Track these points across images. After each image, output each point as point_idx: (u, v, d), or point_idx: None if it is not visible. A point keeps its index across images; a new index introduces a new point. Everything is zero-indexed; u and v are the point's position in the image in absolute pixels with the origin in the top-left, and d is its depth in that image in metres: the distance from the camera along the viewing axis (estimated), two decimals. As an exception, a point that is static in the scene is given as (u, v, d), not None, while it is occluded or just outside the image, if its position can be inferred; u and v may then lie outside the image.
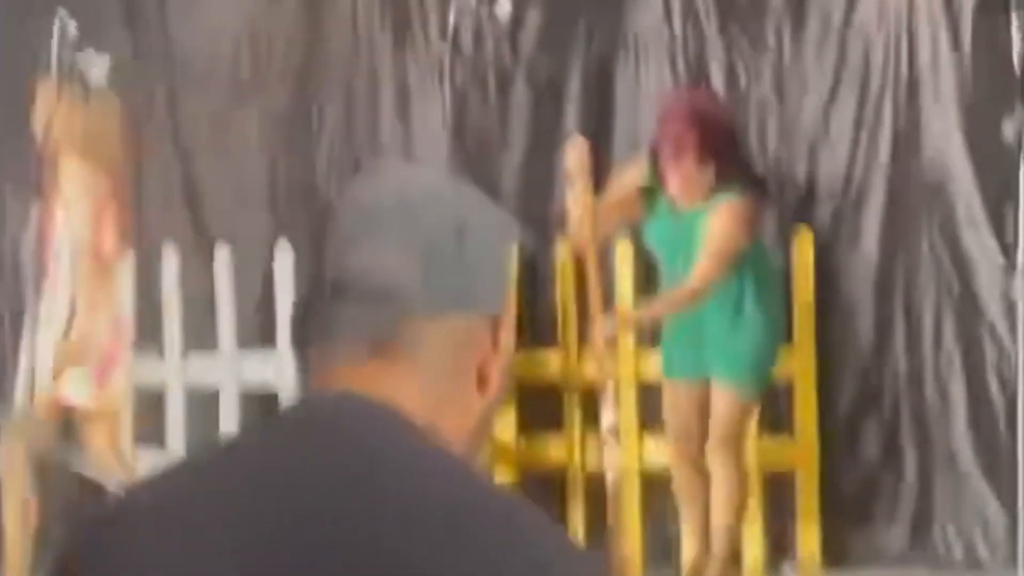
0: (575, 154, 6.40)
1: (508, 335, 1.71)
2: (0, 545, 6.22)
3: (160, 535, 1.60)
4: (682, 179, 6.52)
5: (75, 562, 1.63)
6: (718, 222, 6.48)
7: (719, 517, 6.63)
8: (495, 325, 1.70)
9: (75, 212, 6.43)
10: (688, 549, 6.84)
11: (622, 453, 7.39)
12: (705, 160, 6.49)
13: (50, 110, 6.34)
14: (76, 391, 6.42)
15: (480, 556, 1.53)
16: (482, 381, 1.69)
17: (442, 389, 1.67)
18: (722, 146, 6.56)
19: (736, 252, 6.53)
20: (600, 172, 6.63)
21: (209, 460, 1.69)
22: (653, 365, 7.24)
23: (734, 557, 6.86)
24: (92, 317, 6.46)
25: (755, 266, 6.66)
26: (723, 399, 6.61)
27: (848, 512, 7.40)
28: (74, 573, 1.62)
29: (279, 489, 1.57)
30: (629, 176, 6.68)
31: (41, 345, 6.31)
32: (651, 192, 6.63)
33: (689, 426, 6.70)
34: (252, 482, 1.59)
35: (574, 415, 7.59)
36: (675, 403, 6.73)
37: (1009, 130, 6.16)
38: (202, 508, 1.60)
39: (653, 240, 6.74)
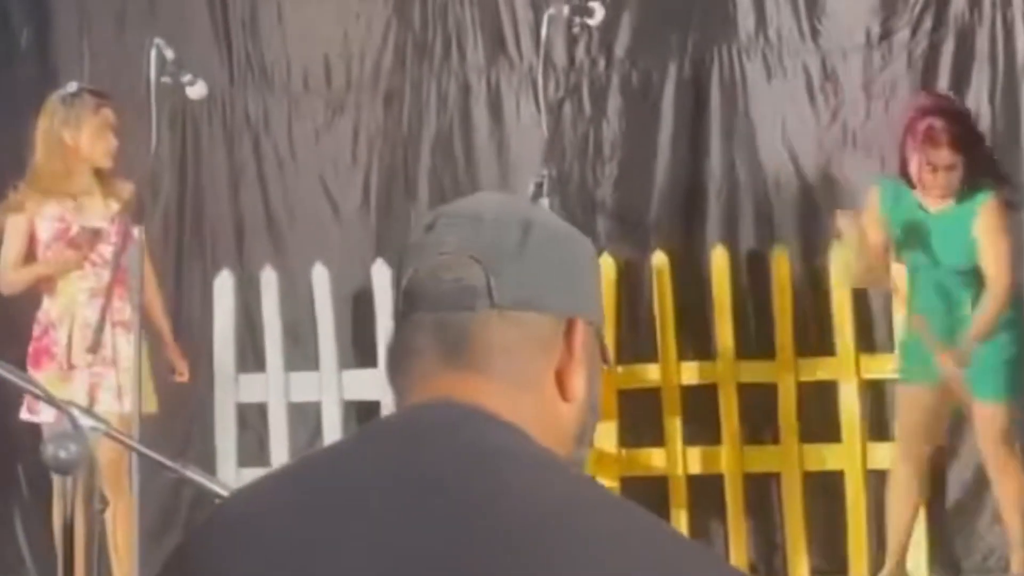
0: (846, 223, 6.51)
1: (589, 344, 1.70)
2: (106, 547, 6.19)
3: (254, 532, 1.60)
4: (938, 174, 6.39)
5: (182, 559, 1.64)
6: (993, 228, 6.41)
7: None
8: (570, 330, 1.69)
9: None
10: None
11: (726, 458, 7.42)
12: (960, 152, 6.37)
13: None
14: None
15: (605, 545, 1.52)
16: (562, 387, 1.68)
17: (521, 395, 1.66)
18: (973, 139, 6.49)
19: (1012, 251, 6.48)
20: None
21: (306, 463, 1.69)
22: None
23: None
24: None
25: None
26: (989, 414, 6.51)
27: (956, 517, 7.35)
28: (180, 569, 1.63)
29: (384, 485, 1.57)
30: (869, 215, 6.61)
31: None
32: (896, 199, 6.56)
33: (921, 428, 6.67)
34: (352, 477, 1.58)
35: (675, 424, 7.59)
36: (910, 406, 6.68)
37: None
38: (296, 505, 1.60)
39: (904, 250, 6.61)
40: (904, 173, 6.51)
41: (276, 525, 1.58)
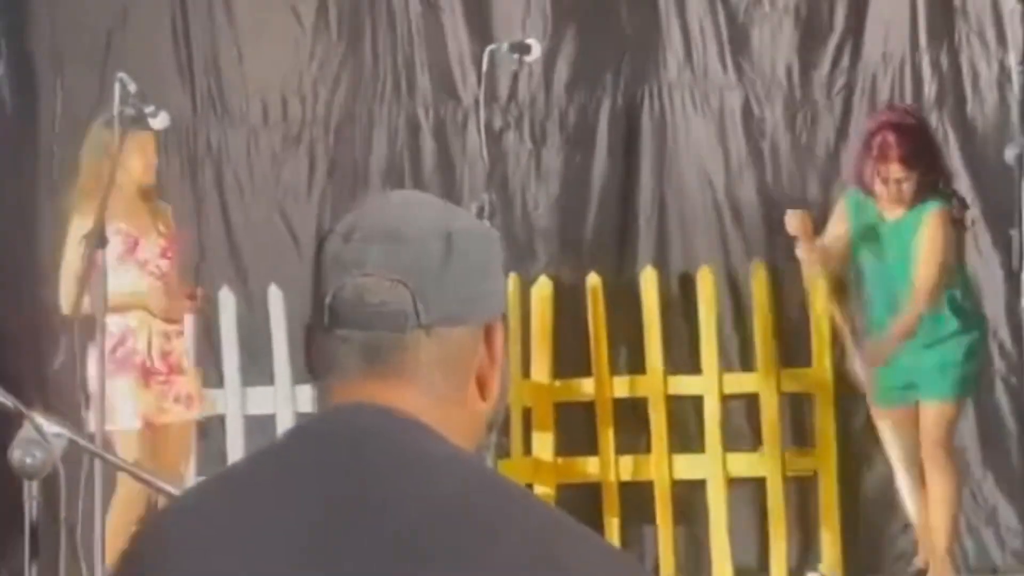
0: (794, 222, 6.50)
1: (502, 342, 1.69)
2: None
3: (202, 518, 1.61)
4: (889, 185, 6.38)
5: (134, 545, 1.65)
6: (930, 236, 6.36)
7: (938, 519, 6.53)
8: (489, 334, 1.67)
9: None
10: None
11: (655, 466, 7.46)
12: (911, 167, 6.35)
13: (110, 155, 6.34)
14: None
15: (517, 535, 1.53)
16: (482, 387, 1.67)
17: (444, 401, 1.64)
18: (925, 154, 6.45)
19: (948, 265, 6.43)
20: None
21: (246, 461, 1.70)
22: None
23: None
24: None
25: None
26: (932, 414, 6.44)
27: (867, 519, 7.37)
28: (132, 555, 1.64)
29: (312, 475, 1.57)
30: (836, 216, 6.61)
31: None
32: (859, 208, 6.53)
33: (911, 446, 6.54)
34: (286, 470, 1.60)
35: (608, 434, 7.59)
36: (894, 428, 6.59)
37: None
38: (240, 494, 1.61)
39: (863, 250, 6.55)
40: (860, 183, 6.51)
41: (211, 524, 1.59)
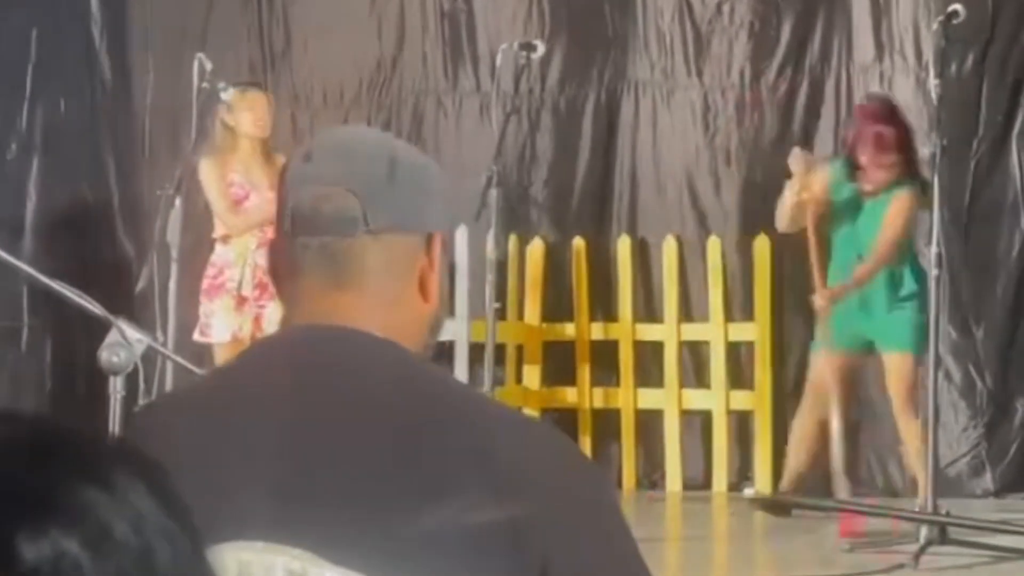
0: (800, 159, 6.20)
1: (440, 254, 1.62)
2: None
3: (184, 410, 1.58)
4: (878, 170, 6.09)
5: (127, 434, 1.68)
6: (897, 209, 6.09)
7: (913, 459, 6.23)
8: (429, 243, 1.61)
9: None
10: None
11: (622, 397, 7.54)
12: (897, 154, 6.10)
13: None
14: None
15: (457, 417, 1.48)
16: (423, 290, 1.60)
17: (391, 304, 1.58)
18: (906, 143, 6.18)
19: (908, 236, 6.17)
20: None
21: (222, 368, 1.70)
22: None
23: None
24: None
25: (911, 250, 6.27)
26: (898, 364, 6.16)
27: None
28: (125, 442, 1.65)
29: (285, 383, 1.53)
30: (819, 175, 6.22)
31: None
32: (840, 177, 6.19)
33: (838, 388, 6.21)
34: (260, 382, 1.55)
35: (585, 369, 7.65)
36: (832, 370, 6.20)
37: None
38: (219, 391, 1.59)
39: (838, 222, 6.22)
40: (852, 158, 6.18)
41: (197, 416, 1.55)
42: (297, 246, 1.59)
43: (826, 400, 6.24)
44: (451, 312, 6.66)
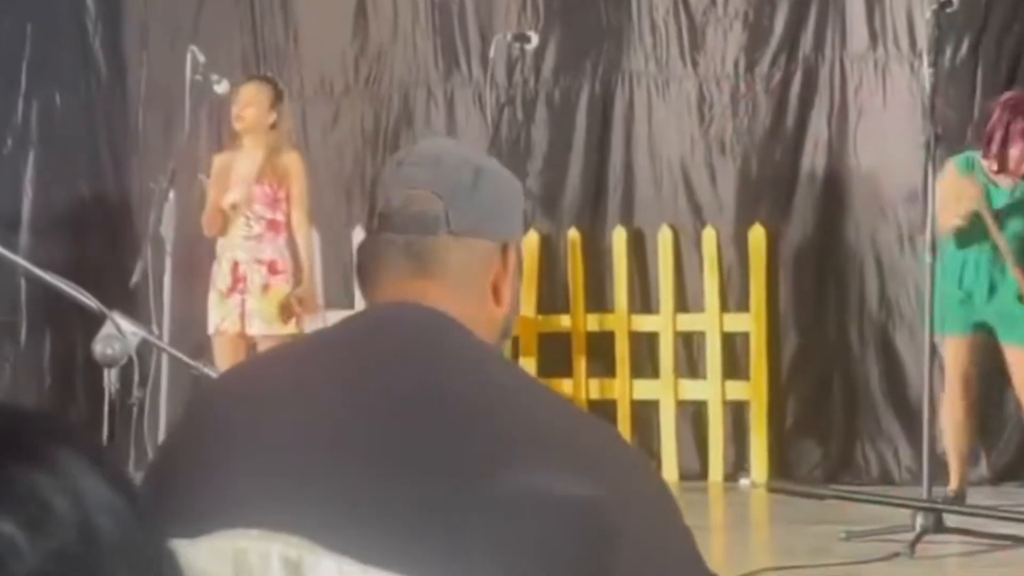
0: (975, 192, 5.99)
1: (516, 262, 1.70)
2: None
3: (243, 390, 1.60)
4: (1012, 162, 5.97)
5: (187, 409, 1.66)
6: None
7: None
8: (505, 251, 1.69)
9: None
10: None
11: (618, 388, 7.54)
12: None
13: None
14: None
15: (522, 408, 1.49)
16: (496, 294, 1.68)
17: (468, 301, 1.65)
18: None
19: None
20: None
21: (303, 342, 1.75)
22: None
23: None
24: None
25: None
26: (1019, 358, 6.04)
27: (788, 438, 7.43)
28: (183, 420, 1.64)
29: (356, 357, 1.54)
30: (972, 186, 6.02)
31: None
32: (970, 170, 6.03)
33: (968, 375, 6.12)
34: (329, 354, 1.57)
35: (581, 360, 7.66)
36: (955, 355, 6.12)
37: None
38: (296, 366, 1.60)
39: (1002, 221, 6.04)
40: (986, 152, 6.02)
41: (266, 394, 1.56)
42: (382, 242, 1.66)
43: (969, 383, 6.13)
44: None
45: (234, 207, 6.46)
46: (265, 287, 6.47)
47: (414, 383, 1.50)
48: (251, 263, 6.49)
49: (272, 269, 6.49)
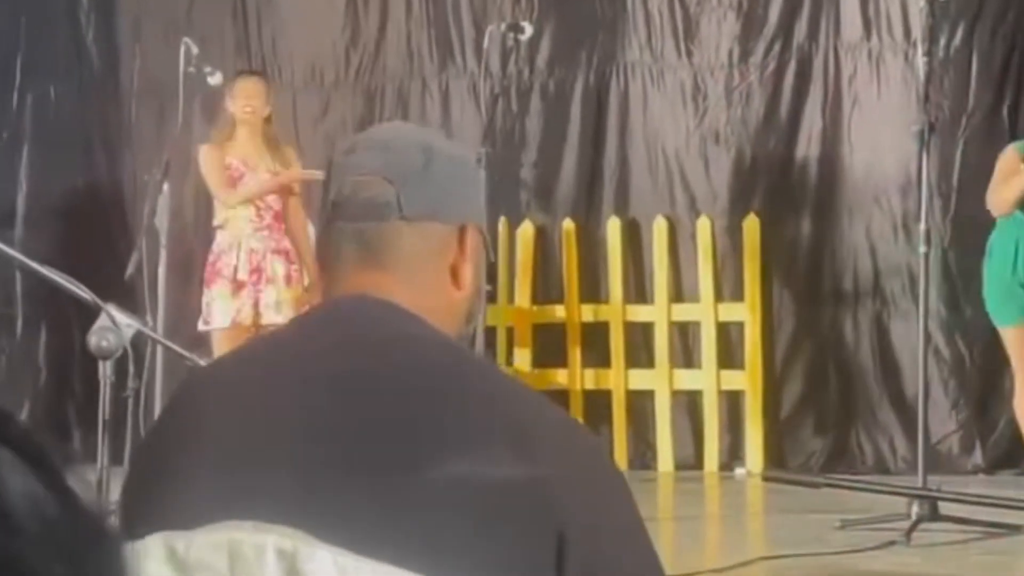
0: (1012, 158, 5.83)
1: (475, 244, 1.64)
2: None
3: (223, 380, 1.59)
4: None
5: (172, 400, 1.66)
6: None
7: None
8: (463, 233, 1.64)
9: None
10: None
11: (613, 378, 7.54)
12: None
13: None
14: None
15: (478, 390, 1.47)
16: (455, 278, 1.63)
17: (425, 288, 1.61)
18: None
19: None
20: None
21: (264, 338, 1.76)
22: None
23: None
24: None
25: None
26: None
27: (783, 428, 7.44)
28: (170, 406, 1.64)
29: (310, 351, 1.53)
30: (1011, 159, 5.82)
31: None
32: None
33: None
34: (297, 345, 1.56)
35: (576, 351, 7.65)
36: (1013, 344, 5.92)
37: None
38: (259, 359, 1.60)
39: None
40: None
41: (235, 386, 1.55)
42: (335, 231, 1.63)
43: None
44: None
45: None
46: (288, 277, 6.49)
47: (360, 374, 1.47)
48: (268, 253, 6.49)
49: (289, 259, 6.52)
